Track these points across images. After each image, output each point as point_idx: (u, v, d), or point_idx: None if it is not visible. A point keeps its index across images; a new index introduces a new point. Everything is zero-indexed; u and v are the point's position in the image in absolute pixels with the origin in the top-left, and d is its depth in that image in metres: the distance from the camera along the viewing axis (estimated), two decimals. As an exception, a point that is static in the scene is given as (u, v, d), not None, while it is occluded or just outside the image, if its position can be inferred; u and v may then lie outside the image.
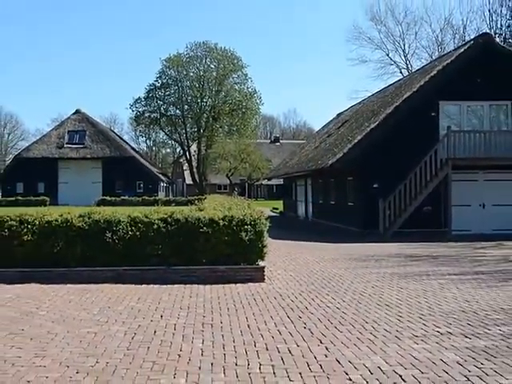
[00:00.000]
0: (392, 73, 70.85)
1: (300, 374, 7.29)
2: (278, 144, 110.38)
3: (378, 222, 27.81)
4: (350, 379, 7.08)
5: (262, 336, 9.20)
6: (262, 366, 7.59)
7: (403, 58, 71.58)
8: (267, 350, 8.39)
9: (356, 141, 30.01)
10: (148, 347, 8.54)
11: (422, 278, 15.50)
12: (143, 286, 13.93)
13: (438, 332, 9.47)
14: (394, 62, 72.01)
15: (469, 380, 7.02)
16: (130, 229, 14.98)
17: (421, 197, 27.62)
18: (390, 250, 22.25)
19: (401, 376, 7.16)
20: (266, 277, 14.90)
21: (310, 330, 9.66)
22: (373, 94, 45.71)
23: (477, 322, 10.17)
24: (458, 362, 7.71)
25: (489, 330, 9.61)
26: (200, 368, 7.52)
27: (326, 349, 8.44)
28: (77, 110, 74.90)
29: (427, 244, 23.83)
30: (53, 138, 70.62)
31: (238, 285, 14.14)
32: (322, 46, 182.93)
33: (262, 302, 12.18)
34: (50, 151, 68.34)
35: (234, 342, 8.86)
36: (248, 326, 9.93)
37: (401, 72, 67.12)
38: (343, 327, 9.83)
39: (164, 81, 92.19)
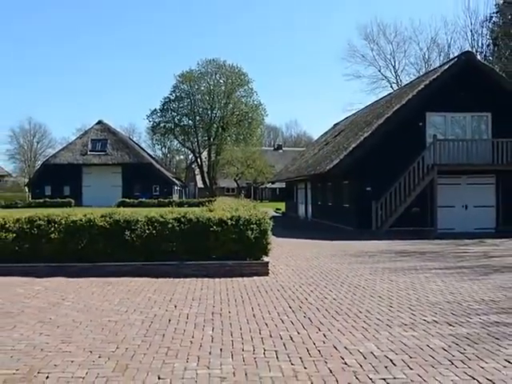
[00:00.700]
0: (383, 87, 70.70)
1: (300, 358, 7.29)
2: (280, 151, 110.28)
3: (371, 222, 27.80)
4: (346, 363, 7.07)
5: (266, 324, 9.20)
6: (266, 352, 7.59)
7: (393, 73, 71.48)
8: (271, 336, 8.39)
9: (351, 148, 30.06)
10: (163, 334, 8.54)
11: (410, 271, 15.46)
12: (159, 279, 13.91)
13: (424, 320, 9.45)
14: (386, 78, 71.90)
15: (453, 364, 7.02)
16: (147, 228, 14.98)
17: (409, 199, 27.60)
18: (381, 246, 22.20)
19: (391, 360, 7.16)
20: (269, 271, 14.87)
21: (309, 318, 9.65)
22: (366, 106, 45.60)
23: (460, 312, 10.15)
24: (443, 348, 7.70)
25: (471, 318, 9.58)
26: (210, 353, 7.52)
27: (324, 336, 8.44)
28: (99, 121, 74.93)
29: (415, 241, 23.76)
30: (77, 145, 70.68)
31: (245, 278, 14.11)
32: (321, 63, 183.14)
33: (266, 293, 12.16)
34: (74, 158, 68.39)
35: (240, 329, 8.86)
36: (253, 316, 9.92)
37: (391, 86, 66.97)
38: (339, 316, 9.82)
39: (178, 94, 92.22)
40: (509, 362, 7.13)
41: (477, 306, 10.68)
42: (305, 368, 6.91)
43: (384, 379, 6.49)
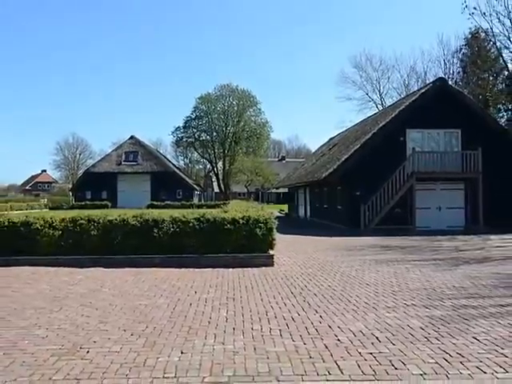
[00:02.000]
0: (370, 107, 70.45)
1: (300, 336, 7.29)
2: (283, 162, 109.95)
3: (360, 221, 27.72)
4: (339, 340, 7.07)
5: (271, 307, 9.18)
6: (271, 330, 7.59)
7: (379, 96, 71.24)
8: (275, 317, 8.37)
9: (343, 159, 30.06)
10: (185, 316, 8.54)
11: (393, 263, 15.41)
12: (182, 269, 13.91)
13: (405, 304, 9.42)
14: (372, 100, 71.67)
15: (428, 340, 7.01)
16: (171, 226, 15.01)
17: (392, 201, 27.52)
18: (369, 242, 22.13)
19: (377, 337, 7.15)
20: (274, 262, 14.85)
21: (308, 302, 9.63)
22: (356, 124, 45.54)
23: (435, 297, 10.11)
24: (420, 327, 7.69)
25: (444, 302, 9.55)
26: (225, 331, 7.52)
27: (320, 317, 8.42)
28: (131, 136, 74.83)
29: (397, 237, 23.67)
30: (113, 157, 70.66)
31: (254, 268, 14.09)
32: (318, 86, 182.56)
33: (272, 281, 12.13)
34: (111, 167, 68.39)
35: (250, 311, 8.85)
36: (261, 300, 9.90)
37: (377, 107, 66.70)
38: (333, 300, 9.80)
39: (197, 114, 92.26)
40: (476, 339, 7.13)
41: (449, 292, 10.64)
42: (304, 344, 6.91)
43: (371, 353, 6.49)
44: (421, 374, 5.76)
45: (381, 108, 59.95)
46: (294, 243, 21.81)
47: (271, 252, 15.16)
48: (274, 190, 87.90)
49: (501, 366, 6.03)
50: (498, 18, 42.52)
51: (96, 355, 6.48)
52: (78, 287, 11.39)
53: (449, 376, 5.73)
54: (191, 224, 15.06)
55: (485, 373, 5.83)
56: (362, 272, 13.66)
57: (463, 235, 24.78)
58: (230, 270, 13.91)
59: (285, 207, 60.10)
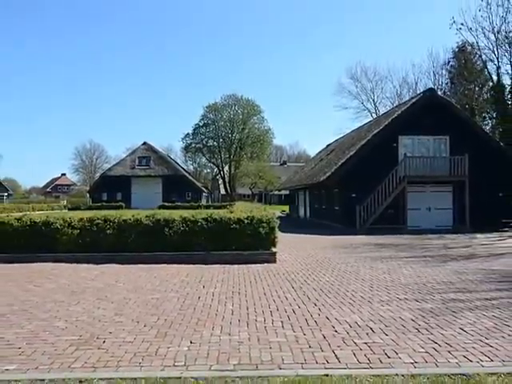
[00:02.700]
0: (365, 116, 70.28)
1: (300, 327, 7.29)
2: (285, 166, 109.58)
3: (356, 221, 27.71)
4: (336, 331, 7.08)
5: (274, 301, 9.18)
6: (274, 322, 7.58)
7: (373, 105, 71.17)
8: (277, 310, 8.38)
9: (340, 164, 30.11)
10: (194, 308, 8.55)
11: (386, 260, 15.39)
12: (190, 265, 13.91)
13: (397, 298, 9.41)
14: (367, 108, 71.62)
15: (419, 331, 7.02)
16: (181, 225, 15.01)
17: (385, 203, 27.51)
18: (363, 240, 22.10)
19: (371, 328, 7.15)
20: (276, 259, 14.84)
21: (307, 296, 9.62)
22: (352, 131, 45.48)
23: (425, 291, 10.10)
24: (411, 319, 7.68)
25: (433, 296, 9.55)
26: (231, 323, 7.53)
27: (319, 309, 8.42)
28: (144, 142, 74.72)
29: (390, 236, 23.67)
30: (127, 161, 70.64)
31: (258, 265, 14.08)
32: (317, 96, 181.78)
33: (274, 276, 12.13)
34: (125, 171, 68.37)
35: (254, 304, 8.85)
36: (264, 294, 9.90)
37: (371, 115, 66.54)
38: (331, 294, 9.80)
39: (205, 121, 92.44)
40: (463, 330, 7.13)
41: (438, 287, 10.63)
42: (304, 334, 6.91)
43: (366, 343, 6.50)
44: (412, 363, 5.78)
45: (375, 116, 59.90)
46: (295, 241, 21.78)
47: (273, 249, 15.12)
48: (276, 192, 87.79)
49: (486, 355, 6.04)
50: (484, 33, 42.68)
51: (111, 345, 6.51)
52: (95, 282, 11.41)
53: (438, 364, 5.73)
54: (199, 223, 15.05)
55: (471, 361, 5.85)
56: (357, 268, 13.64)
57: (451, 234, 24.77)
58: (236, 266, 13.89)
59: (286, 208, 60.06)
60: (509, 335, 6.91)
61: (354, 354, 6.08)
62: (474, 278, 11.87)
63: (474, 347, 6.37)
